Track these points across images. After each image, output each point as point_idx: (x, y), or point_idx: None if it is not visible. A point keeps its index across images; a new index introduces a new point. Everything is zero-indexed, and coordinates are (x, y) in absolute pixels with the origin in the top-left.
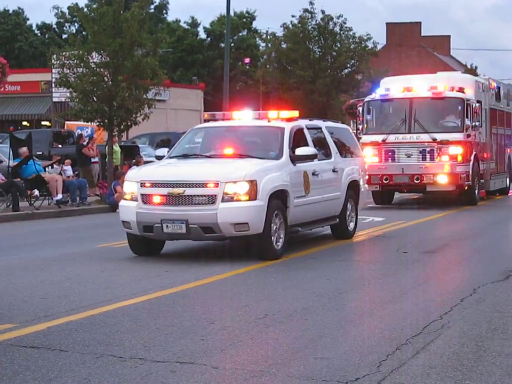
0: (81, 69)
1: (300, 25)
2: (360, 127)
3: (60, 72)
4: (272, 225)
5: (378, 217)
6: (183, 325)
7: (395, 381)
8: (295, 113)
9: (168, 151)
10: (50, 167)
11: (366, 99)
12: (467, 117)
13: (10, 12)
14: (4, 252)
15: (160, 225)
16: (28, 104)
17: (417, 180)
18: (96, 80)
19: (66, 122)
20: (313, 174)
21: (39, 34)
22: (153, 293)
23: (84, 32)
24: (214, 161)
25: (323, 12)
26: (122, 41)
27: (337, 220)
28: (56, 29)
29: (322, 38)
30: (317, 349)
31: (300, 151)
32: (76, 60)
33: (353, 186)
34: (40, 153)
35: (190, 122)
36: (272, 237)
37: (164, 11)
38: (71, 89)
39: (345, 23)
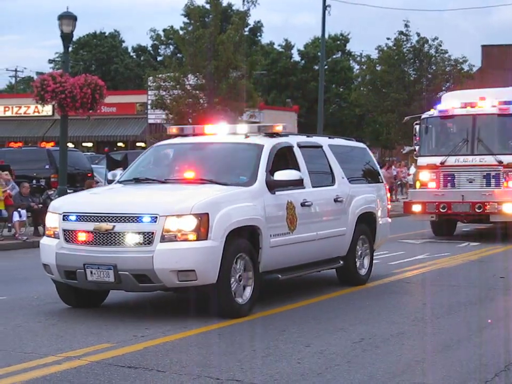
0: (177, 91)
1: (395, 47)
2: (417, 148)
3: (156, 94)
4: (232, 272)
5: (422, 255)
6: (279, 347)
7: None
8: (279, 127)
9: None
10: None
11: (423, 116)
12: None
13: (106, 34)
14: None
15: (83, 270)
16: (123, 125)
17: (479, 209)
18: (192, 102)
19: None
20: (302, 204)
21: (134, 56)
22: (251, 315)
23: (178, 54)
24: (165, 188)
25: (418, 35)
26: (218, 64)
27: (341, 262)
28: (151, 51)
29: (417, 61)
30: (415, 374)
31: (279, 175)
32: (172, 82)
33: (367, 219)
34: None
35: None
36: (233, 288)
37: (258, 33)
38: (167, 111)
39: (440, 45)
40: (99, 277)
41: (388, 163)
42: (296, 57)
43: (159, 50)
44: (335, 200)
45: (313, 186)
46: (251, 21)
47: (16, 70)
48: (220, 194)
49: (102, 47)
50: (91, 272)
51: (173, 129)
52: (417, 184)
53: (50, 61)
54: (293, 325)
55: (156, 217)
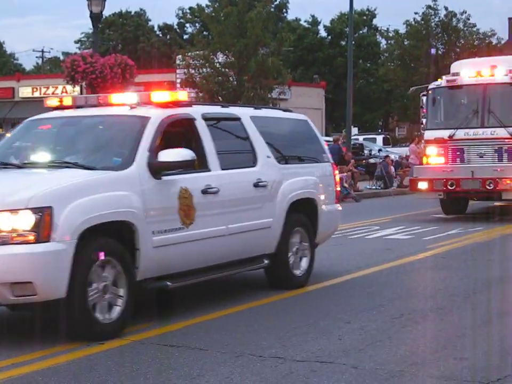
0: (206, 69)
1: (422, 22)
2: (424, 121)
3: (186, 72)
4: (92, 284)
5: (455, 229)
6: (319, 324)
7: None
8: (182, 95)
9: None
10: None
11: (430, 86)
12: None
13: (132, 13)
14: None
15: None
16: None
17: (490, 186)
18: (221, 80)
19: None
20: (204, 191)
21: (160, 35)
22: (287, 292)
23: (205, 33)
24: (12, 175)
25: (446, 8)
26: (247, 41)
27: (266, 261)
28: (178, 30)
29: (445, 35)
30: (456, 349)
31: (165, 155)
32: (201, 60)
33: (306, 207)
34: None
35: (312, 121)
36: (91, 304)
37: (284, 10)
38: (196, 89)
39: (468, 19)
40: None
41: (417, 138)
42: (322, 33)
43: (185, 29)
44: (256, 185)
45: (223, 168)
46: None
47: (42, 51)
48: (74, 182)
49: (128, 26)
50: None
51: (53, 101)
52: (424, 160)
53: (76, 41)
54: (331, 301)
55: None
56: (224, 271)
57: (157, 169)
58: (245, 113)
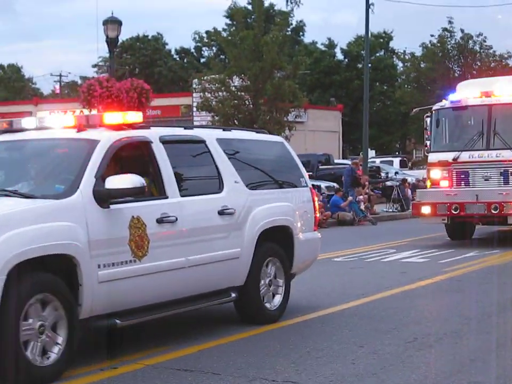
0: (222, 93)
1: (439, 44)
2: (428, 143)
3: (202, 96)
4: (25, 325)
5: (471, 252)
6: (333, 348)
7: None
8: (137, 117)
9: None
10: None
11: (435, 107)
12: None
13: (150, 37)
14: None
15: None
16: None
17: (495, 210)
18: (237, 103)
19: None
20: (160, 221)
21: (177, 58)
22: (301, 316)
23: (221, 56)
24: None
25: (462, 31)
26: (263, 65)
27: (233, 294)
28: (195, 53)
29: (462, 57)
30: (470, 373)
31: (112, 182)
32: (217, 84)
33: (280, 236)
34: None
35: (328, 144)
36: (29, 351)
37: (301, 33)
38: (212, 113)
39: (485, 41)
40: None
41: None
42: (339, 56)
43: (202, 52)
44: (221, 213)
45: (183, 195)
46: (293, 21)
47: (60, 75)
48: (8, 212)
49: (145, 50)
50: None
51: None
52: (428, 183)
53: (94, 66)
54: (345, 326)
55: None
56: (185, 306)
57: (104, 197)
58: (210, 135)
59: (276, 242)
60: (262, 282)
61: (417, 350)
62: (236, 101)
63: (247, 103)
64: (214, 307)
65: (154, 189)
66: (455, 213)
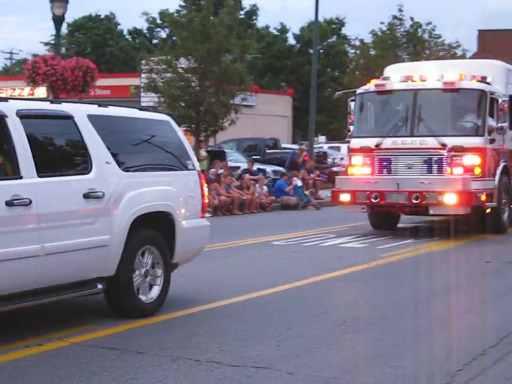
0: (169, 74)
1: (388, 32)
2: (351, 128)
3: (148, 77)
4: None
5: (410, 239)
6: (261, 330)
7: None
8: None
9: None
10: None
11: (358, 91)
12: (491, 116)
13: (102, 16)
14: None
15: None
16: None
17: (416, 200)
18: (183, 85)
19: None
20: (9, 203)
21: (130, 39)
22: (233, 297)
23: (174, 38)
24: None
25: (412, 19)
26: (210, 47)
27: (99, 286)
28: (147, 34)
29: (411, 45)
30: (393, 358)
31: None
32: (164, 65)
33: (159, 222)
34: None
35: (278, 128)
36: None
37: (254, 17)
38: (159, 94)
39: (434, 30)
40: None
41: None
42: (291, 40)
43: (154, 34)
44: (87, 196)
45: (41, 176)
46: (246, 4)
47: (11, 52)
48: None
49: (97, 30)
50: None
51: None
52: (350, 171)
53: (45, 44)
54: (276, 308)
55: None
56: (41, 298)
57: None
58: (80, 111)
59: (154, 229)
60: (137, 273)
61: (344, 334)
62: (182, 83)
63: (194, 84)
64: None
65: (9, 168)
66: (374, 201)
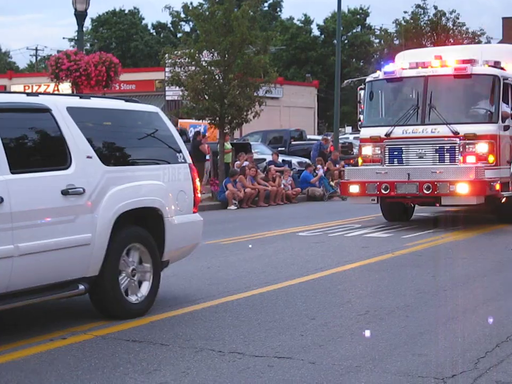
0: (192, 67)
1: (412, 21)
2: (361, 117)
3: (172, 70)
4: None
5: (435, 228)
6: (284, 320)
7: (492, 378)
8: None
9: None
10: None
11: (368, 79)
12: (504, 102)
13: (126, 11)
14: None
15: None
16: (143, 102)
17: (428, 190)
18: (207, 78)
19: (179, 120)
20: None
21: (154, 33)
22: (257, 289)
23: (197, 31)
24: None
25: (435, 8)
26: (233, 40)
27: (81, 286)
28: (171, 28)
29: (435, 34)
30: (416, 346)
31: None
32: (187, 59)
33: (147, 219)
34: None
35: (303, 120)
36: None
37: (278, 9)
38: (182, 87)
39: (458, 18)
40: None
41: None
42: (315, 32)
43: (179, 27)
44: (66, 192)
45: (14, 172)
46: None
47: (36, 49)
48: None
49: (122, 25)
50: None
51: None
52: (360, 161)
53: (70, 40)
54: (300, 298)
55: None
56: (14, 301)
57: None
58: (59, 103)
59: (142, 226)
60: (124, 272)
61: (368, 323)
62: (205, 76)
63: (217, 77)
64: None
65: None
66: (384, 192)
